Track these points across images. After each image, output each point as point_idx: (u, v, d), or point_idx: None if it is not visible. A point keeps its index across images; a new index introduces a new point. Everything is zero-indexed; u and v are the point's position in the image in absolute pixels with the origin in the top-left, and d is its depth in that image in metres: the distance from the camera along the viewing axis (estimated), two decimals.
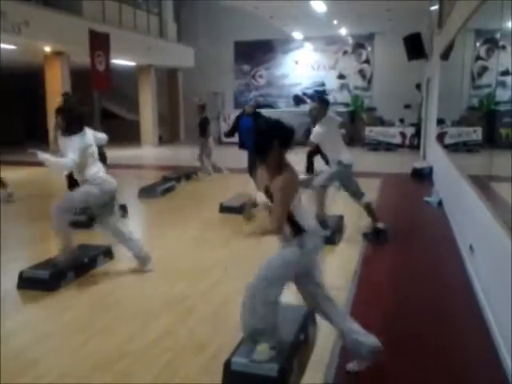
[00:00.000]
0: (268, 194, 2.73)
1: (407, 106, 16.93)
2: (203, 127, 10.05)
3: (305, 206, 2.87)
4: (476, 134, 7.24)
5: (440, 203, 7.29)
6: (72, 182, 5.52)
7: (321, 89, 19.03)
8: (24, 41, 11.36)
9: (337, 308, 2.92)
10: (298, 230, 2.74)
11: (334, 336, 3.31)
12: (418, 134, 14.75)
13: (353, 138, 17.40)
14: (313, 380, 2.84)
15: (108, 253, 4.99)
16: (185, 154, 11.44)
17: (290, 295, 4.06)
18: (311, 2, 11.98)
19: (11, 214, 7.20)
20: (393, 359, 3.05)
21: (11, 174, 10.83)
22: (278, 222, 2.63)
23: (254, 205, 2.88)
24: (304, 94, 19.61)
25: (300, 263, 2.77)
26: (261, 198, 2.80)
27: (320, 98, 6.57)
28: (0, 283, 4.29)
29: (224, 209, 7.03)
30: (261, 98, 19.00)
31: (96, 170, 4.51)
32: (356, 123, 17.85)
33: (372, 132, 16.11)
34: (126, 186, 9.49)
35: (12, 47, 11.67)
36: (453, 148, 7.82)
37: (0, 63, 12.08)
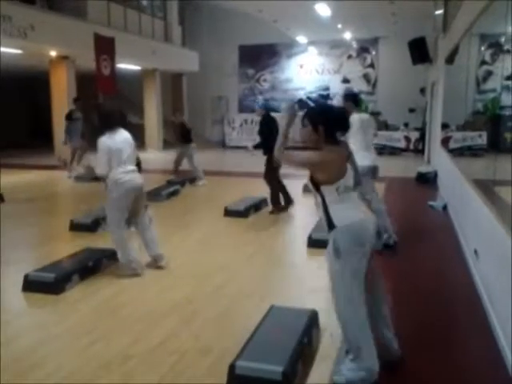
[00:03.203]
0: (311, 176, 2.84)
1: (412, 111, 16.91)
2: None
3: (349, 202, 2.82)
4: (481, 138, 7.24)
5: (445, 207, 7.28)
6: None
7: (325, 93, 19.05)
8: (30, 45, 11.42)
9: None
10: (330, 223, 2.79)
11: (338, 339, 3.32)
12: (422, 138, 14.74)
13: None
14: (318, 382, 2.83)
15: (113, 256, 5.00)
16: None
17: (293, 298, 4.07)
18: (315, 6, 12.01)
19: (14, 216, 7.23)
20: (398, 364, 3.05)
21: (15, 177, 10.89)
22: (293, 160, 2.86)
23: None
24: (308, 98, 19.64)
25: (348, 269, 2.72)
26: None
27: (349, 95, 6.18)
28: (0, 285, 4.31)
29: (228, 213, 7.05)
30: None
31: (114, 172, 4.62)
32: None
33: (376, 136, 16.08)
34: None
35: (18, 51, 11.74)
36: (457, 152, 7.82)
37: None
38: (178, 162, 10.28)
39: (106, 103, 5.89)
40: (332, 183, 2.76)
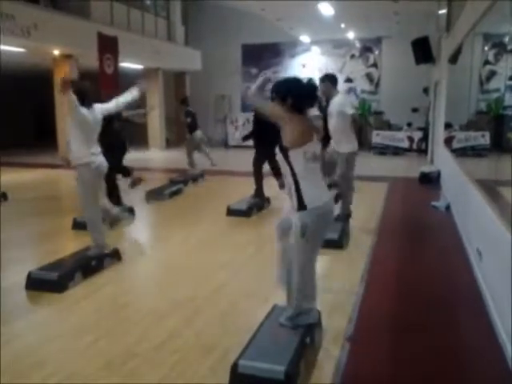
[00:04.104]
0: (281, 144, 2.90)
1: (415, 110, 16.88)
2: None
3: (316, 177, 2.98)
4: (484, 138, 7.22)
5: (448, 208, 7.27)
6: None
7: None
8: (33, 44, 11.44)
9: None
10: (300, 204, 2.89)
11: (341, 337, 3.32)
12: (425, 138, 14.70)
13: (360, 142, 17.42)
14: (320, 382, 2.83)
15: (115, 255, 5.01)
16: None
17: None
18: (318, 5, 11.99)
19: (17, 214, 7.24)
20: (400, 361, 3.05)
21: (19, 176, 10.92)
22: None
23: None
24: None
25: (311, 245, 2.96)
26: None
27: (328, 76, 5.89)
28: (0, 283, 4.31)
29: (231, 212, 7.05)
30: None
31: (85, 153, 4.64)
32: (363, 127, 17.84)
33: (379, 136, 16.07)
34: (133, 189, 9.54)
35: (21, 50, 11.76)
36: (460, 152, 7.80)
37: (0, 65, 12.12)
38: (189, 156, 10.30)
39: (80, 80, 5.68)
40: (300, 145, 2.84)
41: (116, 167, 6.76)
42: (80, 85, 4.80)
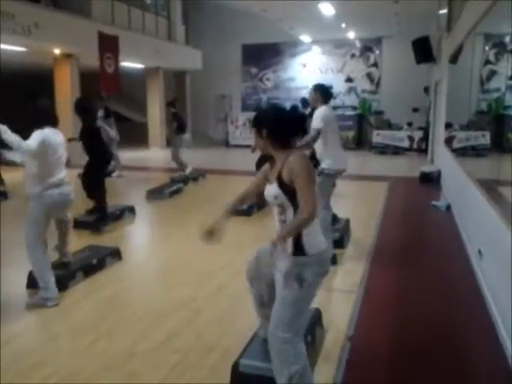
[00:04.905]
0: (282, 183, 2.40)
1: (415, 110, 16.85)
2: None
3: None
4: (484, 138, 7.21)
5: (448, 207, 7.27)
6: None
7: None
8: (34, 43, 11.42)
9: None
10: (299, 248, 2.41)
11: (341, 337, 3.32)
12: (425, 137, 14.70)
13: (360, 142, 17.42)
14: (321, 381, 2.83)
15: (116, 254, 5.02)
16: (191, 157, 11.43)
17: None
18: (319, 5, 11.99)
19: (18, 213, 7.24)
20: (401, 362, 3.05)
21: (19, 175, 10.92)
22: (311, 203, 2.30)
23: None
24: None
25: (306, 295, 2.48)
26: (269, 191, 2.53)
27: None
28: (0, 283, 4.32)
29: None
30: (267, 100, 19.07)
31: (48, 181, 4.00)
32: (364, 126, 17.83)
33: (380, 135, 16.06)
34: (133, 188, 9.55)
35: (22, 49, 11.75)
36: (461, 152, 7.80)
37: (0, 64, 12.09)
38: (177, 158, 10.27)
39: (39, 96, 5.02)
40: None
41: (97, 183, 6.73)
42: (36, 104, 4.30)
